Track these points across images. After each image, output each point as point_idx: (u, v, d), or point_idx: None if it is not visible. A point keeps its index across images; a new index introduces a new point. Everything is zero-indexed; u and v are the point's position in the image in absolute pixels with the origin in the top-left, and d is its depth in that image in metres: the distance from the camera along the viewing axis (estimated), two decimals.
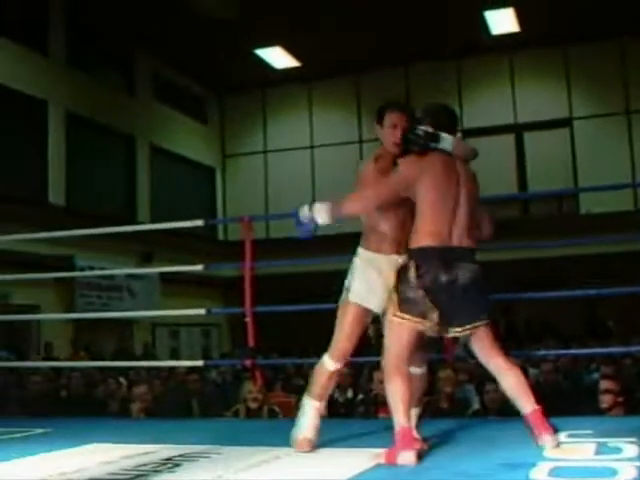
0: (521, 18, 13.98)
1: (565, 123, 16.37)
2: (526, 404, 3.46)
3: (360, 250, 3.77)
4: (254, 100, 18.25)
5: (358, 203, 3.65)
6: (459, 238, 3.47)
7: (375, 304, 3.64)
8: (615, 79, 15.89)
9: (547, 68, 16.43)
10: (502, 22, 14.26)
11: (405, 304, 3.41)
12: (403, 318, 3.42)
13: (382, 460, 3.26)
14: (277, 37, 14.98)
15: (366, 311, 3.68)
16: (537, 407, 3.45)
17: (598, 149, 15.71)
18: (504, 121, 16.58)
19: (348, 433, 4.21)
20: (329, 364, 3.71)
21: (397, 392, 3.38)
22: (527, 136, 16.63)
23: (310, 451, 3.59)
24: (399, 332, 3.45)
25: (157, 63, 16.34)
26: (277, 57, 15.97)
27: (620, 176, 14.14)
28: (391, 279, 3.53)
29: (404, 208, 3.59)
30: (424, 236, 3.43)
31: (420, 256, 3.42)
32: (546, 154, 16.09)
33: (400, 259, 3.57)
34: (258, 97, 18.21)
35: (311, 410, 3.72)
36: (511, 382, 3.52)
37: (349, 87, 17.60)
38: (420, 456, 3.22)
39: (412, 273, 3.41)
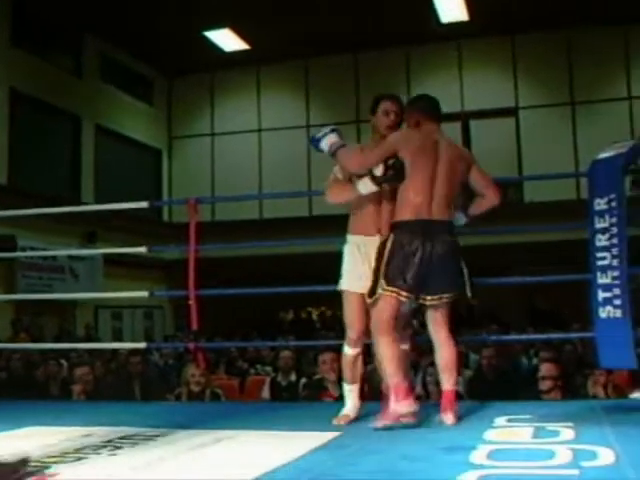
0: (470, 7, 14.06)
1: (511, 112, 16.53)
2: (447, 381, 3.82)
3: (347, 236, 4.07)
4: (202, 82, 18.10)
5: (352, 158, 3.99)
6: (437, 210, 3.75)
7: (363, 287, 3.88)
8: (561, 69, 16.09)
9: (494, 57, 16.56)
10: (451, 11, 14.31)
11: (387, 277, 3.70)
12: (387, 291, 3.69)
13: (381, 423, 3.60)
14: (226, 19, 14.83)
15: (358, 295, 3.94)
16: (453, 388, 3.83)
17: (543, 139, 15.90)
18: (451, 109, 16.65)
19: (291, 416, 4.23)
20: (346, 350, 4.06)
21: (387, 352, 3.70)
22: (473, 124, 16.75)
23: (344, 425, 3.88)
24: (385, 304, 3.73)
25: (105, 44, 16.08)
26: (226, 40, 15.82)
27: (564, 166, 14.33)
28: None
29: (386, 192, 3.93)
30: (404, 209, 3.75)
31: (399, 229, 3.73)
32: (492, 142, 16.21)
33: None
34: (206, 79, 18.06)
35: (349, 392, 4.06)
36: (445, 356, 3.86)
37: (298, 72, 17.54)
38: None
39: (389, 246, 3.72)
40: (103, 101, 16.19)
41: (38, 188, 13.26)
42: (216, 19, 14.69)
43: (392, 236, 3.74)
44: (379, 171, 3.82)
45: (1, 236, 11.66)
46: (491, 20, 14.87)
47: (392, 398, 3.60)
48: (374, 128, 4.18)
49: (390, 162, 3.81)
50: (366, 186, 3.86)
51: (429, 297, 3.77)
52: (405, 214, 3.75)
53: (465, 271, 3.86)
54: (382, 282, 3.70)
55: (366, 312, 3.91)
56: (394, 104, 4.18)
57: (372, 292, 3.76)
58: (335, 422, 3.91)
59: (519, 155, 16.16)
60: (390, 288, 3.69)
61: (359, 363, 4.10)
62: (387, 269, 3.70)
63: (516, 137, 16.36)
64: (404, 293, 3.70)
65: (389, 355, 3.69)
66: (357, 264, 3.95)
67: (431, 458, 2.97)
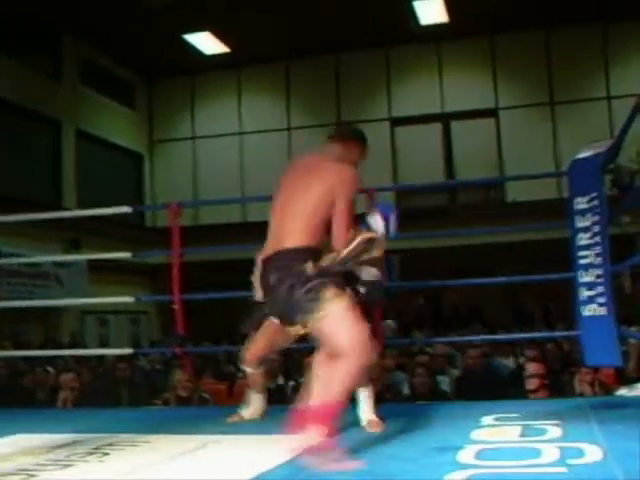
0: (450, 8, 14.11)
1: (491, 113, 16.59)
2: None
3: None
4: (183, 86, 18.07)
5: None
6: (288, 239, 3.39)
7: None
8: (540, 70, 16.17)
9: (474, 58, 16.62)
10: (431, 12, 14.36)
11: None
12: None
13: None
14: (207, 23, 14.82)
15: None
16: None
17: (524, 138, 15.97)
18: (432, 110, 16.73)
19: (279, 419, 4.24)
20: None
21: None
22: (454, 125, 16.81)
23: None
24: None
25: (85, 48, 16.01)
26: (206, 43, 15.80)
27: (545, 165, 14.42)
28: None
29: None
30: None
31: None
32: (473, 143, 16.29)
33: None
34: (187, 83, 18.03)
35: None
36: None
37: (278, 74, 17.53)
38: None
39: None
40: (83, 105, 16.11)
41: (19, 194, 13.17)
42: (196, 22, 14.67)
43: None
44: None
45: None
46: (470, 21, 14.94)
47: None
48: None
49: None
50: None
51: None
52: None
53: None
54: None
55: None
56: None
57: None
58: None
59: (500, 155, 16.22)
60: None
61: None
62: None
63: (497, 137, 16.42)
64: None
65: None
66: None
67: (421, 458, 2.98)
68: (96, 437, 3.82)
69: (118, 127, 17.27)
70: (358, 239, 3.41)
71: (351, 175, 3.46)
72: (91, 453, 3.41)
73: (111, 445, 3.59)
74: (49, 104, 14.95)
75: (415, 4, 13.99)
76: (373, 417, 3.86)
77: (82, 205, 14.49)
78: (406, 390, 6.18)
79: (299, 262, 3.29)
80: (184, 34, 15.26)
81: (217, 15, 14.29)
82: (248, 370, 4.29)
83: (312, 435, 3.01)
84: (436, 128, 16.85)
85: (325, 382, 3.27)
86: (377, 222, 3.65)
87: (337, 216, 3.36)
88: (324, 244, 3.41)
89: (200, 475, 2.95)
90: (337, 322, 3.19)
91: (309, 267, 3.26)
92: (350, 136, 3.79)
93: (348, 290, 3.39)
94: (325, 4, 13.98)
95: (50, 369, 8.11)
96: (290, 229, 3.39)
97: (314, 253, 3.33)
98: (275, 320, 3.93)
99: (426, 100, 16.72)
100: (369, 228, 3.61)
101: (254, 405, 4.32)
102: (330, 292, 3.21)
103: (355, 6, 14.07)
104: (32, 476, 2.97)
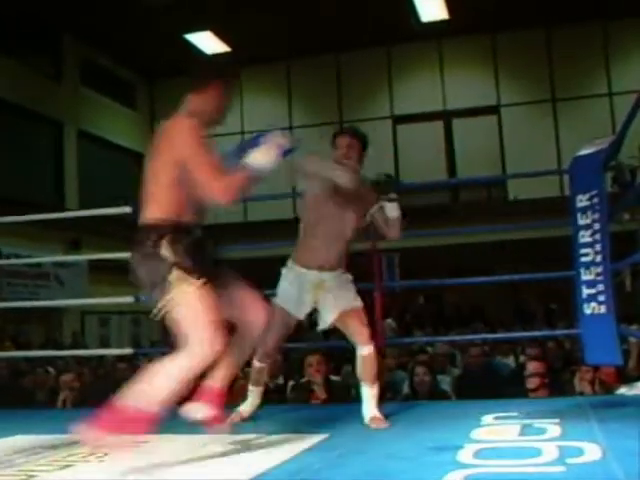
0: (450, 6, 14.10)
1: (493, 110, 16.59)
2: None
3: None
4: (184, 86, 17.85)
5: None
6: (145, 211, 3.30)
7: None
8: (541, 67, 16.17)
9: (475, 55, 16.62)
10: (431, 9, 14.35)
11: None
12: None
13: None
14: (207, 22, 14.83)
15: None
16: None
17: (525, 136, 15.98)
18: (433, 108, 16.72)
19: (279, 419, 4.23)
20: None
21: None
22: (456, 123, 16.81)
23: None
24: None
25: (86, 48, 16.04)
26: (207, 42, 15.80)
27: (547, 162, 14.41)
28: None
29: (331, 225, 3.95)
30: None
31: None
32: (474, 141, 16.29)
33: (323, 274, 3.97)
34: (187, 83, 17.94)
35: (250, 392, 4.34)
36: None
37: (280, 73, 17.54)
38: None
39: None
40: (85, 106, 16.13)
41: (21, 195, 13.19)
42: (197, 22, 14.67)
43: None
44: None
45: None
46: (471, 18, 14.93)
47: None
48: None
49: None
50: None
51: None
52: None
53: None
54: None
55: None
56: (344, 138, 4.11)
57: None
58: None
59: (502, 153, 16.22)
60: None
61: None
62: None
63: (499, 135, 16.43)
64: None
65: None
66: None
67: (420, 457, 2.97)
68: None
69: (119, 127, 17.29)
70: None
71: (183, 125, 3.31)
72: (91, 453, 3.40)
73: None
74: (50, 105, 14.98)
75: (416, 1, 13.98)
76: (377, 414, 3.86)
77: (84, 205, 14.50)
78: (406, 389, 6.16)
79: (150, 239, 3.15)
80: (185, 34, 15.26)
81: (218, 15, 14.29)
82: (258, 365, 4.24)
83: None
84: (438, 126, 16.85)
85: (152, 376, 3.12)
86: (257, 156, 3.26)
87: (194, 170, 3.09)
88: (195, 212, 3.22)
89: (200, 475, 2.94)
90: (183, 310, 3.04)
91: (159, 244, 3.10)
92: (204, 78, 3.64)
93: (199, 276, 3.09)
94: (326, 3, 13.98)
95: (51, 369, 8.10)
96: (146, 200, 3.27)
97: (171, 226, 3.13)
98: (279, 311, 3.99)
99: (428, 98, 16.71)
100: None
101: (253, 400, 4.31)
102: (177, 275, 3.05)
103: (356, 4, 14.07)
104: (32, 477, 2.96)
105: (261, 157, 3.20)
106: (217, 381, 3.39)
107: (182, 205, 3.17)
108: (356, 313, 3.97)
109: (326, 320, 4.00)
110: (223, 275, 3.34)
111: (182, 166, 3.11)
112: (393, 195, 3.96)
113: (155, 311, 3.11)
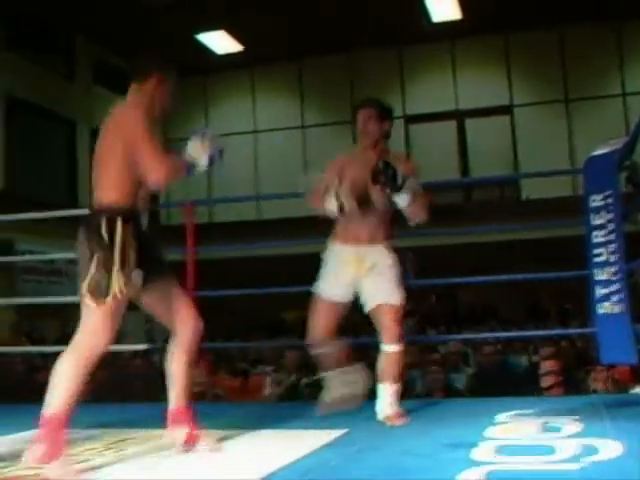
0: (463, 6, 14.08)
1: (506, 110, 16.56)
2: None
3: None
4: (196, 85, 18.08)
5: None
6: (98, 197, 3.34)
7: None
8: (555, 67, 16.13)
9: (488, 55, 16.59)
10: (443, 9, 14.33)
11: None
12: None
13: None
14: (219, 21, 14.84)
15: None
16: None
17: (538, 136, 15.93)
18: (446, 108, 16.71)
19: (295, 415, 4.25)
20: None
21: None
22: (469, 122, 16.78)
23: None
24: None
25: (98, 48, 16.09)
26: (219, 42, 15.82)
27: (560, 162, 14.39)
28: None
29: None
30: None
31: None
32: (488, 141, 16.27)
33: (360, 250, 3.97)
34: (200, 82, 18.04)
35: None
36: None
37: (292, 72, 17.55)
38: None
39: None
40: (97, 105, 16.14)
41: (35, 193, 13.26)
42: (209, 21, 14.69)
43: None
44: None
45: None
46: (484, 18, 14.89)
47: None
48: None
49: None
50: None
51: None
52: None
53: None
54: None
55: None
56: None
57: None
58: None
59: (515, 153, 16.19)
60: None
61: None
62: None
63: (512, 135, 16.39)
64: None
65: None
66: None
67: (436, 454, 2.99)
68: (112, 432, 3.85)
69: None
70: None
71: (130, 113, 3.33)
72: (108, 448, 3.43)
73: (127, 440, 3.61)
74: (63, 104, 15.04)
75: (427, 1, 13.96)
76: (397, 410, 3.86)
77: None
78: (419, 387, 6.18)
79: (93, 224, 3.18)
80: (197, 33, 15.29)
81: (229, 14, 14.30)
82: (323, 351, 4.09)
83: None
84: (451, 126, 16.83)
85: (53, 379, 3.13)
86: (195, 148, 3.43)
87: (138, 153, 3.15)
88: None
89: (215, 470, 2.96)
90: (85, 305, 3.11)
91: (112, 228, 3.12)
92: (142, 70, 3.63)
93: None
94: (338, 3, 13.97)
95: None
96: (97, 184, 3.33)
97: (124, 211, 3.18)
98: (324, 299, 4.00)
99: (440, 98, 16.70)
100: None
101: (334, 386, 4.09)
102: (95, 267, 3.08)
103: (368, 5, 14.05)
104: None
105: (196, 151, 3.36)
106: (174, 402, 3.36)
107: (132, 188, 3.25)
108: (390, 309, 3.91)
109: (365, 306, 4.01)
110: (165, 275, 3.44)
111: (130, 148, 3.16)
112: (396, 187, 3.91)
113: (83, 291, 3.15)
